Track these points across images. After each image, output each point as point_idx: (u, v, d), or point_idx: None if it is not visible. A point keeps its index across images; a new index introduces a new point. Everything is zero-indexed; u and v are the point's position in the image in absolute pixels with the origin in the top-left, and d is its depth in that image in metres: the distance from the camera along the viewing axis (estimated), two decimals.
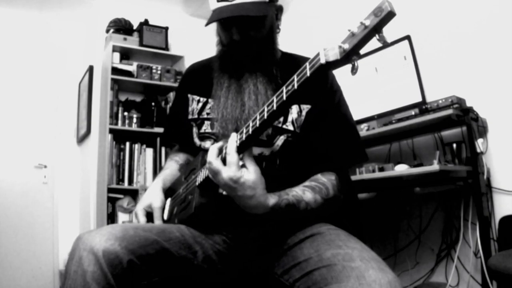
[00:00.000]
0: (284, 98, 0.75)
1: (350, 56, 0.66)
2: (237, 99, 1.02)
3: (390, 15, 0.61)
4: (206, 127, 1.11)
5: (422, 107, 2.00)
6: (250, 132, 0.82)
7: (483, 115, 1.96)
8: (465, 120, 1.86)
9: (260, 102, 0.99)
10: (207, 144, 1.10)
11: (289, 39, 2.91)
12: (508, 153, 1.91)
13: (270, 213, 0.87)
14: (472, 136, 1.84)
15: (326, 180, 0.98)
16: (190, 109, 1.16)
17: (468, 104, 1.95)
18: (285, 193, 0.91)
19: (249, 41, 1.01)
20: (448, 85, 2.15)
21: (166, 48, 3.28)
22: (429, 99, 2.07)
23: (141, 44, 3.18)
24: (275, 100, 0.78)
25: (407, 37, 2.14)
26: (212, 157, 0.86)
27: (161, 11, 3.51)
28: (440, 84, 2.19)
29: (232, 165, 0.83)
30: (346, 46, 0.65)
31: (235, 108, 1.01)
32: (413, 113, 2.03)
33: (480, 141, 1.87)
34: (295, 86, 0.73)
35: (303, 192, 0.93)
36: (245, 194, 0.83)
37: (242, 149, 0.85)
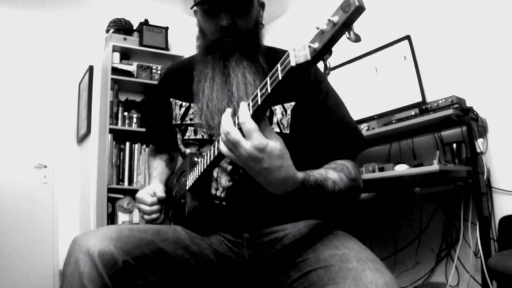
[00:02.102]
0: (259, 102, 0.70)
1: (321, 55, 0.62)
2: (224, 90, 0.98)
3: (359, 9, 0.56)
4: (190, 133, 1.08)
5: (422, 107, 2.00)
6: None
7: (483, 115, 1.96)
8: (465, 120, 1.86)
9: (250, 92, 0.95)
10: (191, 151, 1.08)
11: (289, 39, 2.92)
12: (508, 153, 1.91)
13: (299, 190, 0.77)
14: (472, 136, 1.84)
15: (343, 161, 0.93)
16: (173, 114, 1.13)
17: (468, 104, 1.95)
18: (310, 171, 0.82)
19: (236, 28, 0.98)
20: (448, 85, 2.14)
21: (166, 48, 3.28)
22: (429, 99, 2.07)
23: (141, 44, 3.18)
24: (251, 104, 0.72)
25: (407, 37, 2.13)
26: (229, 126, 0.73)
27: (161, 11, 3.51)
28: (440, 84, 2.19)
29: (253, 133, 0.70)
30: (316, 46, 0.61)
31: (221, 99, 0.97)
32: (413, 113, 2.03)
33: (480, 141, 1.87)
34: (269, 90, 0.68)
35: (326, 171, 0.85)
36: (272, 165, 0.71)
37: (256, 118, 0.73)
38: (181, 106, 1.11)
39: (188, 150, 1.08)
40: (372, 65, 2.29)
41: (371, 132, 2.15)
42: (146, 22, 3.24)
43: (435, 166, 1.71)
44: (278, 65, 0.67)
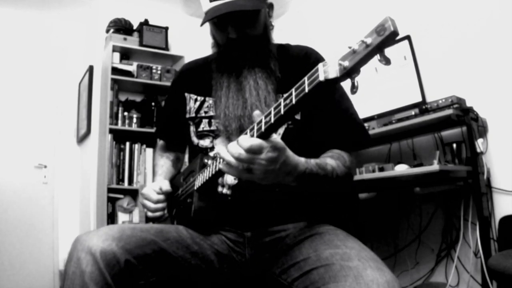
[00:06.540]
0: (282, 112, 0.71)
1: (350, 74, 0.63)
2: (238, 97, 1.02)
3: (393, 35, 0.59)
4: (204, 125, 1.11)
5: (422, 107, 2.00)
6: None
7: (483, 115, 1.96)
8: (465, 120, 1.86)
9: (262, 97, 0.99)
10: (205, 142, 1.10)
11: (289, 40, 2.92)
12: (508, 153, 1.91)
13: (305, 175, 0.81)
14: (472, 136, 1.84)
15: (339, 151, 0.98)
16: (187, 108, 1.16)
17: (468, 104, 1.95)
18: (308, 158, 0.86)
19: (245, 38, 1.01)
20: (448, 85, 2.14)
21: (166, 48, 3.28)
22: (429, 99, 2.07)
23: (141, 44, 3.18)
24: (272, 113, 0.74)
25: (407, 37, 2.13)
26: (236, 150, 0.76)
27: (161, 11, 3.51)
28: (440, 84, 2.19)
29: (263, 147, 0.74)
30: (346, 64, 0.62)
31: (237, 106, 1.01)
32: (413, 113, 2.03)
33: (480, 141, 1.87)
34: (293, 101, 0.69)
35: (325, 158, 0.91)
36: (285, 155, 0.77)
37: (274, 128, 0.76)
38: (196, 100, 1.14)
39: (201, 142, 1.10)
40: (372, 65, 2.29)
41: (371, 132, 2.14)
42: (146, 22, 3.24)
43: (435, 166, 1.71)
44: (305, 78, 0.68)
